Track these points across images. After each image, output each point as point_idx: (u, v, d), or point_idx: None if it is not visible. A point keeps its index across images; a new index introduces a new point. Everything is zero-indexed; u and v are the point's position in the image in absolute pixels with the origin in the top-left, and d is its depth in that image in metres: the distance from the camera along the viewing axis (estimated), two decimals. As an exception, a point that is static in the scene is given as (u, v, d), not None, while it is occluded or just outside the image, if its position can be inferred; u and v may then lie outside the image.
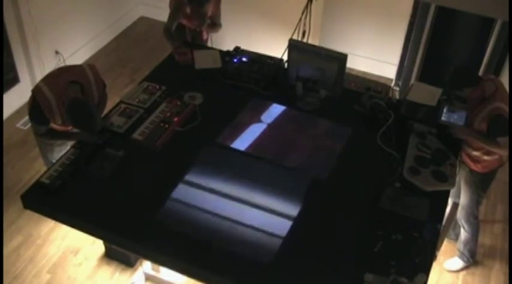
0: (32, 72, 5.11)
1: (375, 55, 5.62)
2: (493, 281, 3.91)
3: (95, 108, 3.35)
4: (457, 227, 3.96)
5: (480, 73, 4.53)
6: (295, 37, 3.99)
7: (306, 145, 3.37)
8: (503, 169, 3.61)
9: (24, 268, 3.86)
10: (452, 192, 3.45)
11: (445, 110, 3.32)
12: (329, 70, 3.55)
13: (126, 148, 3.24)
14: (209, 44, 4.71)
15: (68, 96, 3.21)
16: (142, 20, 6.45)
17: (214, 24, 4.45)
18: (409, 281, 2.57)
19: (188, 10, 4.31)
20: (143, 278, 3.81)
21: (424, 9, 4.50)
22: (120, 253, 3.80)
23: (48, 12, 5.14)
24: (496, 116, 3.19)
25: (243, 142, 3.36)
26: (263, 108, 3.63)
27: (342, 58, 3.50)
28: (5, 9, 4.63)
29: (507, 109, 3.20)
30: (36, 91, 3.29)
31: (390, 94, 3.74)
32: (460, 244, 3.90)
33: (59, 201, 2.98)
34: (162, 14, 4.81)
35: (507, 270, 3.96)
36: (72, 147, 3.29)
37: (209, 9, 4.31)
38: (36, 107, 3.28)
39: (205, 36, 4.68)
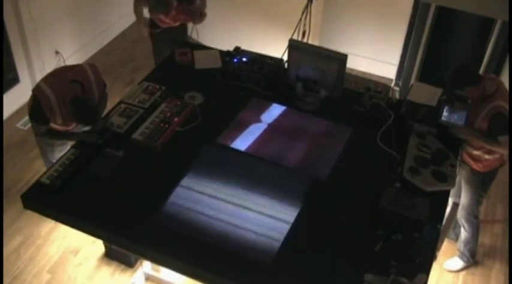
0: (32, 72, 5.12)
1: (375, 55, 5.62)
2: (493, 281, 3.91)
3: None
4: (457, 227, 3.97)
5: (480, 73, 4.53)
6: (295, 37, 3.99)
7: (306, 145, 3.37)
8: (503, 169, 3.61)
9: (25, 268, 3.86)
10: (453, 191, 3.45)
11: (445, 110, 3.31)
12: (329, 70, 3.55)
13: (126, 148, 3.24)
14: (194, 36, 4.73)
15: (69, 95, 3.22)
16: (142, 20, 6.45)
17: (203, 15, 4.44)
18: (409, 281, 2.56)
19: (174, 12, 4.32)
20: (143, 278, 3.81)
21: (424, 9, 4.50)
22: (120, 253, 3.80)
23: (48, 12, 5.14)
24: (496, 115, 3.19)
25: (243, 142, 3.36)
26: (263, 108, 3.63)
27: (342, 58, 3.50)
28: (5, 9, 4.63)
29: (508, 107, 3.20)
30: (37, 90, 3.29)
31: (390, 95, 3.74)
32: (460, 244, 3.91)
33: (59, 201, 2.98)
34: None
35: (507, 270, 3.96)
36: (72, 147, 3.30)
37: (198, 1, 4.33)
38: (36, 106, 3.28)
39: (189, 31, 4.69)
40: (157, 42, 4.68)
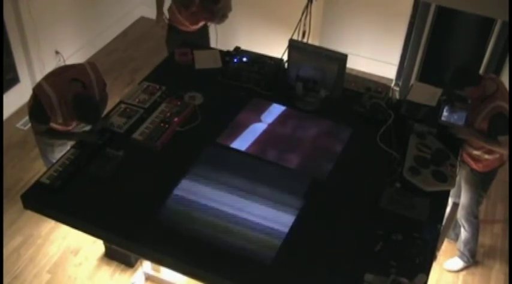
0: (32, 72, 5.11)
1: (375, 55, 5.62)
2: (493, 281, 3.91)
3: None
4: (457, 227, 3.97)
5: (480, 73, 4.53)
6: (295, 37, 3.99)
7: (306, 145, 3.37)
8: (503, 168, 3.61)
9: (25, 268, 3.86)
10: (453, 191, 3.45)
11: (445, 110, 3.31)
12: (329, 70, 3.55)
13: (126, 148, 3.24)
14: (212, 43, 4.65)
15: (70, 93, 3.23)
16: (142, 20, 6.45)
17: (224, 16, 4.35)
18: (409, 281, 2.57)
19: (194, 8, 4.25)
20: (143, 278, 3.81)
21: (424, 9, 4.50)
22: (120, 253, 3.80)
23: (48, 12, 5.14)
24: (496, 115, 3.19)
25: (243, 142, 3.36)
26: (263, 108, 3.63)
27: (342, 58, 3.50)
28: (5, 9, 4.63)
29: (508, 107, 3.20)
30: (37, 89, 3.30)
31: (390, 95, 3.74)
32: (460, 244, 3.91)
33: (59, 201, 2.98)
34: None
35: (507, 270, 3.96)
36: (72, 147, 3.30)
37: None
38: (37, 105, 3.28)
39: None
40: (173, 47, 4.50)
